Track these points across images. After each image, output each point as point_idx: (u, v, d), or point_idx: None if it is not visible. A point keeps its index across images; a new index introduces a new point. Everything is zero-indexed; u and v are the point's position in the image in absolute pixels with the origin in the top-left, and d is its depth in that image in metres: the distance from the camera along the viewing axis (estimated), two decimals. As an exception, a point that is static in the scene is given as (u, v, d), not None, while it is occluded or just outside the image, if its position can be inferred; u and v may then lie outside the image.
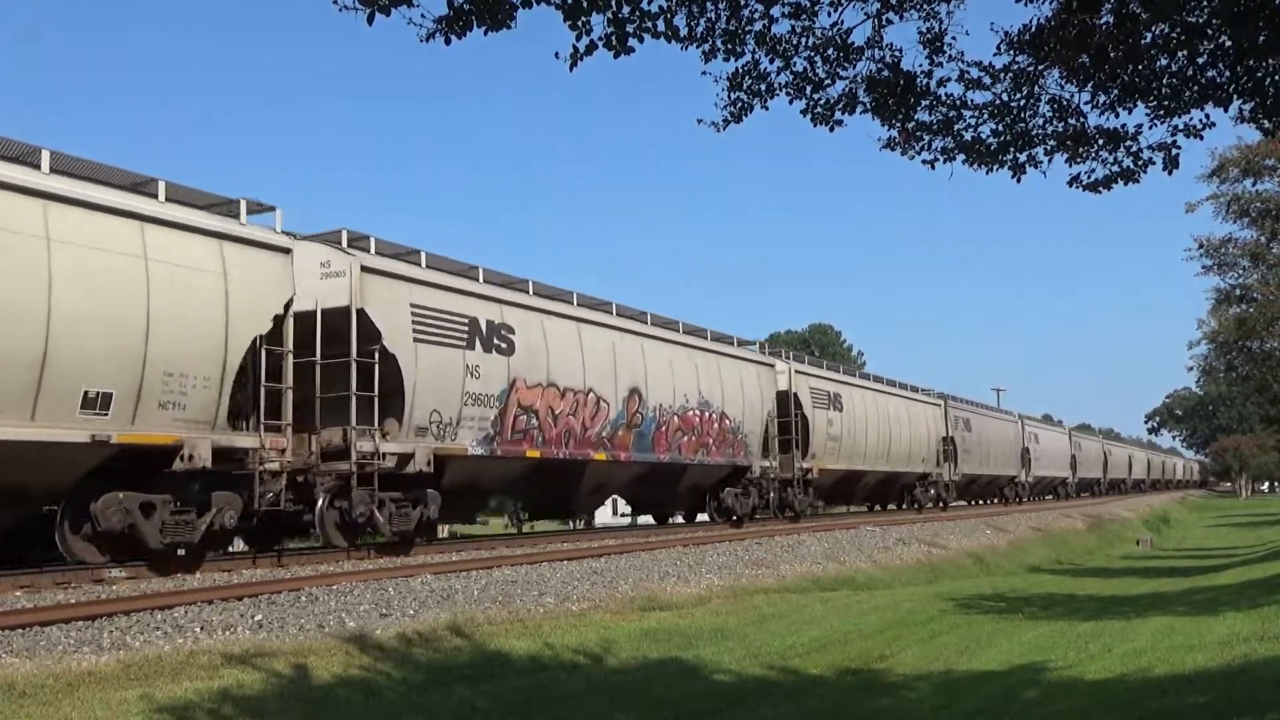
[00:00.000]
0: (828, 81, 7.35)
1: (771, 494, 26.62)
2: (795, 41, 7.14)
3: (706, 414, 23.67)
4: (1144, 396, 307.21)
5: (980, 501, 49.58)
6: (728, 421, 24.43)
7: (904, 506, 38.07)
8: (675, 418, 22.48)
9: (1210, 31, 6.79)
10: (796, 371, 28.46)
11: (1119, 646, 11.05)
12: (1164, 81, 7.14)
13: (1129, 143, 7.51)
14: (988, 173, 7.74)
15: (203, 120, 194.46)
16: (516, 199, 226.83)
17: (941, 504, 39.32)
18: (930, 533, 28.18)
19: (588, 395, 19.66)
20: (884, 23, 7.19)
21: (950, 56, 7.40)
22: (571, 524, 27.76)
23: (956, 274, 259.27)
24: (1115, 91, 7.32)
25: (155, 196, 12.83)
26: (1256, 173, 29.73)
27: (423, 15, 5.73)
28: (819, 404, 29.20)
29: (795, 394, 27.83)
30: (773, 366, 27.47)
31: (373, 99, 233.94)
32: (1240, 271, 34.15)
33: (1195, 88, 7.07)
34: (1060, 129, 7.59)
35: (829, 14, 7.07)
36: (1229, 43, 6.79)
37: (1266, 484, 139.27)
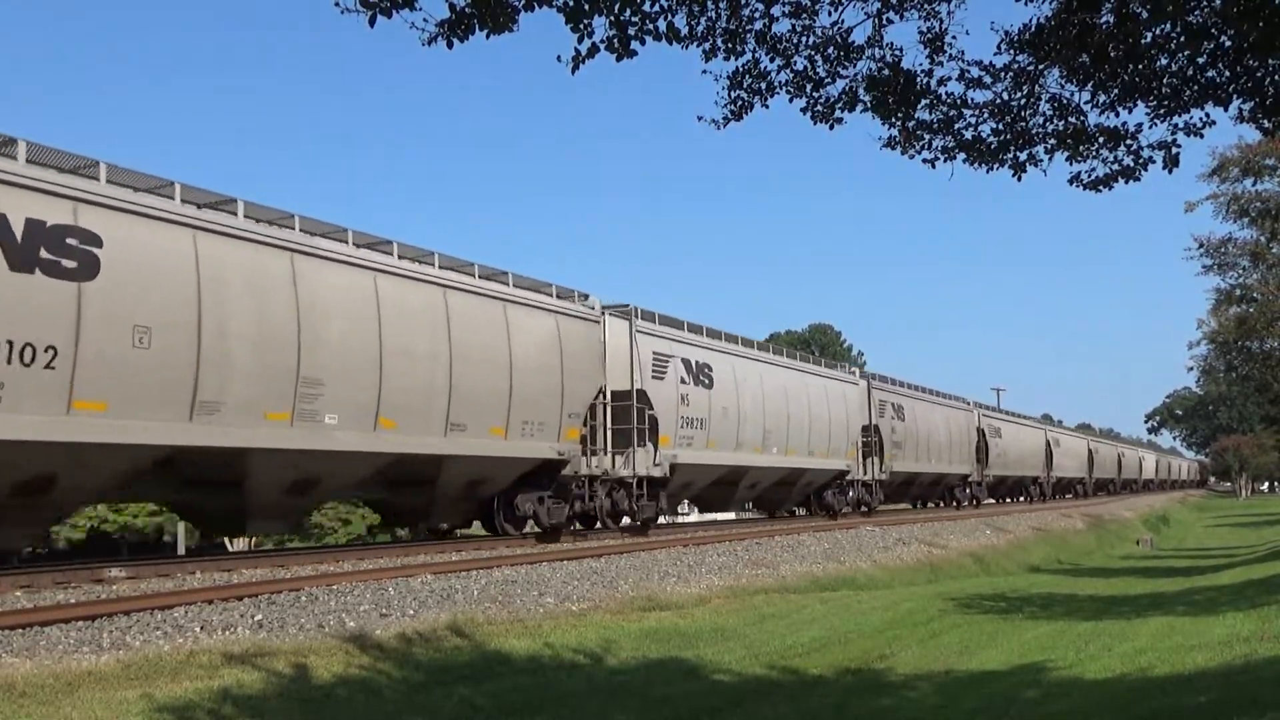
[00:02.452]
0: (828, 80, 7.35)
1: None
2: (795, 40, 7.14)
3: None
4: (1144, 396, 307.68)
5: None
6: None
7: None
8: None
9: (1211, 31, 6.79)
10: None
11: (1119, 646, 11.05)
12: (1164, 81, 7.14)
13: (1129, 141, 7.51)
14: (988, 172, 7.75)
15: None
16: (509, 195, 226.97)
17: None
18: (930, 533, 28.18)
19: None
20: (884, 22, 7.19)
21: (950, 56, 7.40)
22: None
23: (956, 274, 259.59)
24: (1115, 91, 7.31)
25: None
26: (1256, 172, 29.73)
27: (425, 19, 5.74)
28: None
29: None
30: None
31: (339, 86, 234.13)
32: (1240, 271, 34.19)
33: (1195, 87, 7.07)
34: (1061, 128, 7.58)
35: (829, 13, 7.07)
36: (1229, 42, 6.79)
37: (1266, 484, 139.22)
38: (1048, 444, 54.95)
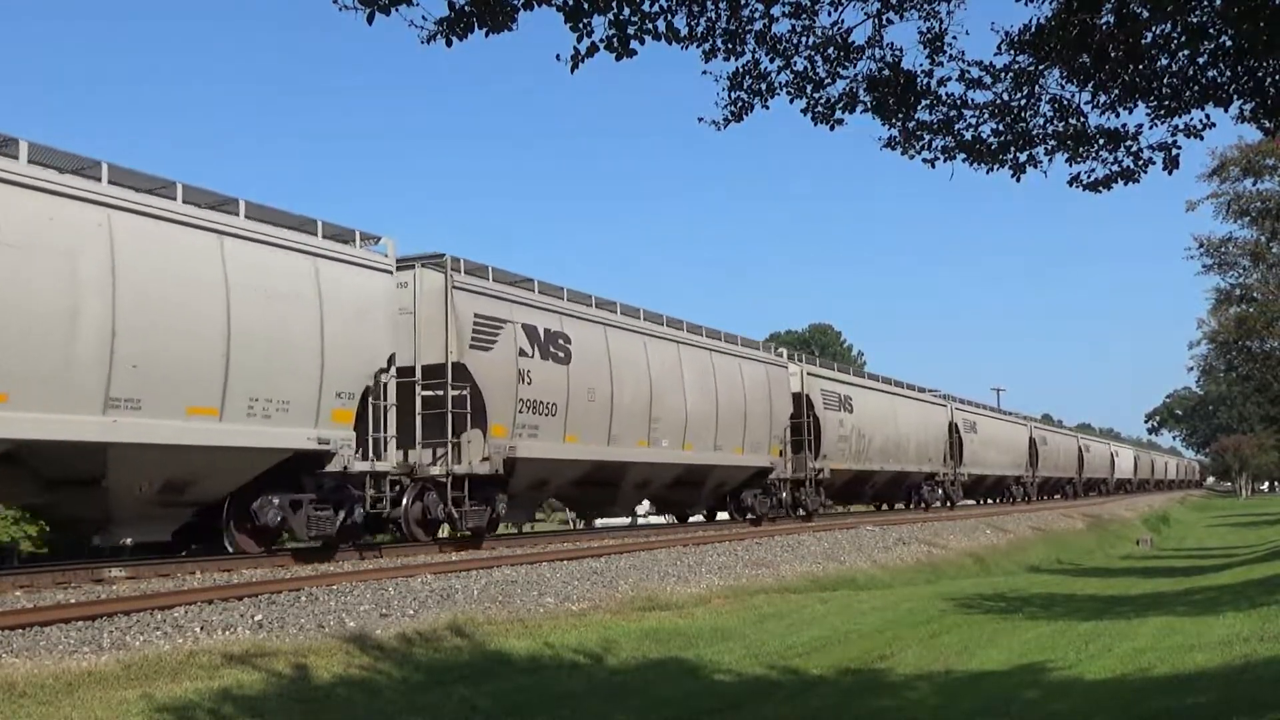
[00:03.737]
0: (828, 81, 7.34)
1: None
2: (795, 41, 7.14)
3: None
4: (1144, 396, 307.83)
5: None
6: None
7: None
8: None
9: (1210, 31, 6.79)
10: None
11: (1119, 646, 11.05)
12: (1164, 81, 7.14)
13: (1129, 142, 7.51)
14: (988, 172, 7.75)
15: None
16: (509, 193, 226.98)
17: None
18: (930, 533, 28.19)
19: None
20: (884, 22, 7.19)
21: (950, 56, 7.40)
22: (571, 524, 27.99)
23: (957, 274, 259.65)
24: (1116, 91, 7.32)
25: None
26: (1257, 172, 29.81)
27: (424, 17, 5.73)
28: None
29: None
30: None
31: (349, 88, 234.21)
32: (1240, 271, 34.27)
33: (1195, 87, 7.07)
34: (1061, 129, 7.59)
35: (829, 13, 7.07)
36: (1229, 43, 6.79)
37: (1266, 484, 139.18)
38: (953, 428, 39.34)
